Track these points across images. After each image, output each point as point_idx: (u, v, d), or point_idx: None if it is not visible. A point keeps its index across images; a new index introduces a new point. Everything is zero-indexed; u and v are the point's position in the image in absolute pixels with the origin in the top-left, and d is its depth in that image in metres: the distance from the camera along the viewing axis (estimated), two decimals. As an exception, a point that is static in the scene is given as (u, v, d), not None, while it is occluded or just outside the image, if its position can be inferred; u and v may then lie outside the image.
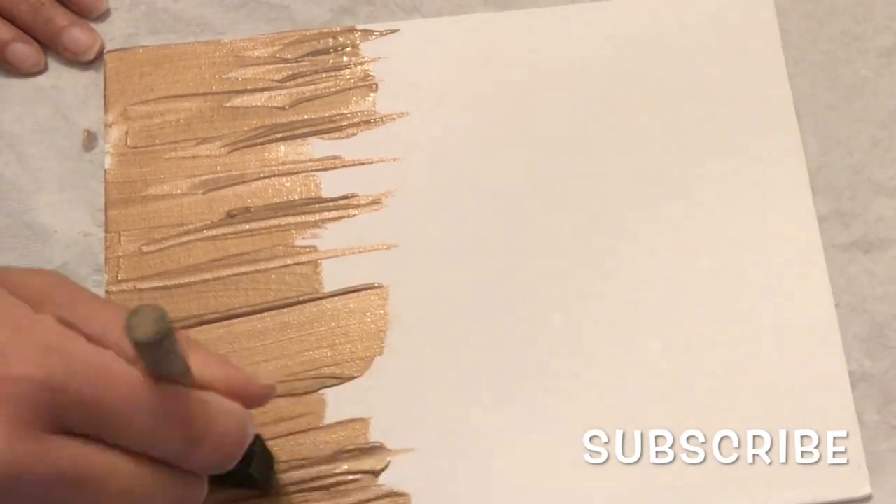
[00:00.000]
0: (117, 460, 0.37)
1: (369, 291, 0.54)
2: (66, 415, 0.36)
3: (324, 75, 0.58)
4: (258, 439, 0.47)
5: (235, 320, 0.53)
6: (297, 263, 0.54)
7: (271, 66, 0.58)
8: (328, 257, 0.54)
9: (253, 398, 0.41)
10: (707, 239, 0.55)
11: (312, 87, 0.58)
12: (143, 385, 0.37)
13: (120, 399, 0.36)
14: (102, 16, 0.59)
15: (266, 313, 0.54)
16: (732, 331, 0.54)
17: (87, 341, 0.37)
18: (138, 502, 0.38)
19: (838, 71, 0.59)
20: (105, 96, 0.57)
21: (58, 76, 0.58)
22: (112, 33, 0.59)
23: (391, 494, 0.51)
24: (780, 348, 0.53)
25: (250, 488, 0.49)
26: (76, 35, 0.57)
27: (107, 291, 0.54)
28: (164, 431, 0.37)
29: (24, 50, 0.57)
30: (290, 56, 0.58)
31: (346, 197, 0.56)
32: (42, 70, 0.58)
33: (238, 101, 0.57)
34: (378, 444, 0.52)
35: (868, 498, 0.51)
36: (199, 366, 0.39)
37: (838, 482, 0.51)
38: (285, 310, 0.54)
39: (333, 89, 0.58)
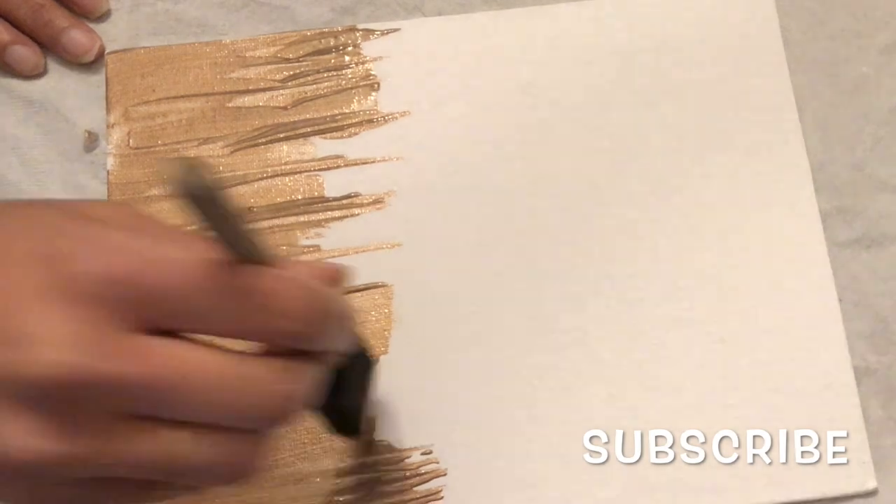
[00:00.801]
0: (204, 354, 0.35)
1: (373, 290, 0.54)
2: (142, 311, 0.34)
3: (325, 75, 0.58)
4: (360, 359, 0.45)
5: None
6: None
7: (273, 67, 0.58)
8: (332, 257, 0.54)
9: (330, 279, 0.39)
10: (709, 237, 0.55)
11: (314, 86, 0.58)
12: (211, 265, 0.34)
13: (189, 283, 0.34)
14: (103, 17, 0.59)
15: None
16: (735, 329, 0.54)
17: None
18: (230, 396, 0.35)
19: (839, 68, 0.59)
20: (107, 97, 0.57)
21: (59, 78, 0.58)
22: (113, 34, 0.59)
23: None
24: (784, 346, 0.53)
25: (348, 425, 0.46)
26: (76, 37, 0.57)
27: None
28: (243, 308, 0.35)
29: (23, 52, 0.57)
30: (291, 56, 0.58)
31: (349, 196, 0.56)
32: (42, 72, 0.58)
33: (240, 101, 0.57)
34: (383, 443, 0.52)
35: (873, 492, 0.51)
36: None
37: (843, 478, 0.51)
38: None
39: (335, 89, 0.58)
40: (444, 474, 0.51)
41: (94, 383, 0.33)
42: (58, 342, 0.33)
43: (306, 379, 0.37)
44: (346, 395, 0.44)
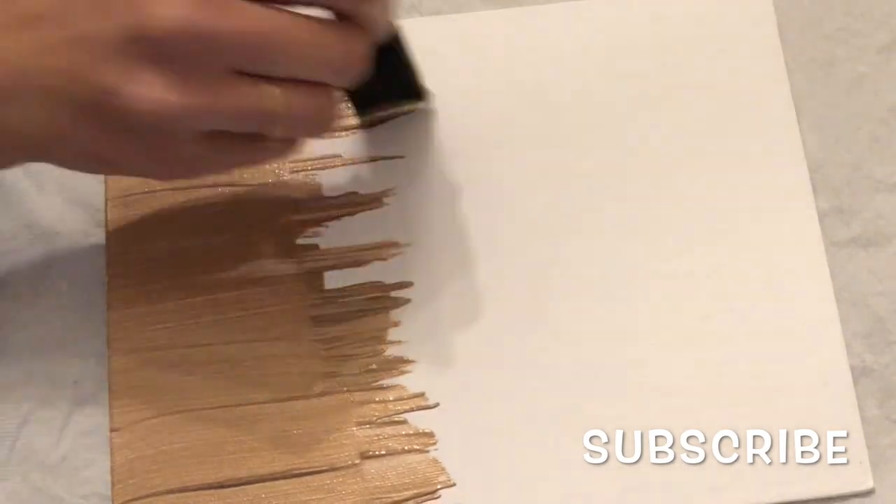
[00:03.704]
0: (291, 17, 0.42)
1: (371, 289, 0.54)
2: None
3: (323, 75, 0.58)
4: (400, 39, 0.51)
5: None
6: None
7: (271, 66, 0.58)
8: (330, 256, 0.55)
9: None
10: (707, 237, 0.55)
11: (312, 86, 0.58)
12: None
13: None
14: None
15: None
16: (733, 329, 0.54)
17: None
18: (312, 51, 0.42)
19: (837, 67, 0.59)
20: (105, 97, 0.57)
21: (57, 77, 0.58)
22: (111, 34, 0.58)
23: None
24: (782, 345, 0.53)
25: (408, 94, 0.55)
26: None
27: (109, 289, 0.54)
28: None
29: None
30: (289, 56, 0.58)
31: (346, 195, 0.56)
32: None
33: (238, 100, 0.57)
34: None
35: (870, 492, 0.51)
36: None
37: (840, 477, 0.51)
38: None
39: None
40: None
41: (205, 36, 0.40)
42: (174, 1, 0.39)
43: (366, 39, 0.44)
44: (404, 61, 0.53)
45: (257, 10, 0.41)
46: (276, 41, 0.41)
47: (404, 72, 0.53)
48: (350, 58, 0.44)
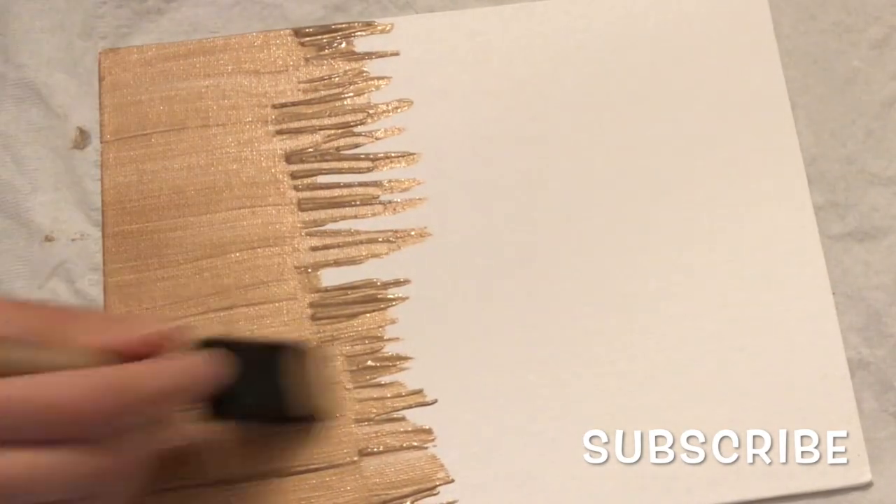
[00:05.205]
0: (36, 456, 0.37)
1: (368, 288, 0.54)
2: None
3: (318, 73, 0.58)
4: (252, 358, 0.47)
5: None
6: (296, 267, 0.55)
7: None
8: (333, 257, 0.55)
9: (163, 345, 0.42)
10: (703, 233, 0.55)
11: (307, 84, 0.58)
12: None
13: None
14: (98, 14, 0.59)
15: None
16: (731, 324, 0.54)
17: None
18: (63, 488, 0.38)
19: (831, 62, 0.59)
20: (99, 95, 0.57)
21: (50, 75, 0.58)
22: (105, 32, 0.58)
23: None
24: (779, 339, 0.54)
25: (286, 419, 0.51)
26: None
27: (105, 289, 0.54)
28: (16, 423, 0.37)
29: None
30: (283, 54, 0.58)
31: (344, 193, 0.56)
32: None
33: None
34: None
35: (868, 485, 0.52)
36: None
37: (838, 470, 0.51)
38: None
39: (327, 86, 0.58)
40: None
41: None
42: None
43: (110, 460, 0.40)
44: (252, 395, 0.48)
45: None
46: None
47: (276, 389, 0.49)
48: (93, 480, 0.39)
